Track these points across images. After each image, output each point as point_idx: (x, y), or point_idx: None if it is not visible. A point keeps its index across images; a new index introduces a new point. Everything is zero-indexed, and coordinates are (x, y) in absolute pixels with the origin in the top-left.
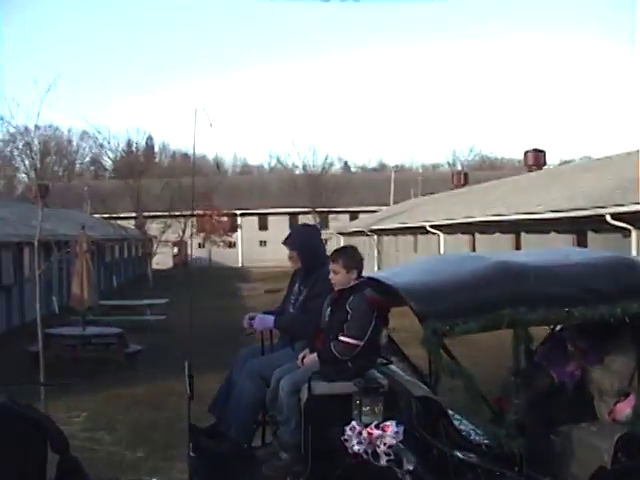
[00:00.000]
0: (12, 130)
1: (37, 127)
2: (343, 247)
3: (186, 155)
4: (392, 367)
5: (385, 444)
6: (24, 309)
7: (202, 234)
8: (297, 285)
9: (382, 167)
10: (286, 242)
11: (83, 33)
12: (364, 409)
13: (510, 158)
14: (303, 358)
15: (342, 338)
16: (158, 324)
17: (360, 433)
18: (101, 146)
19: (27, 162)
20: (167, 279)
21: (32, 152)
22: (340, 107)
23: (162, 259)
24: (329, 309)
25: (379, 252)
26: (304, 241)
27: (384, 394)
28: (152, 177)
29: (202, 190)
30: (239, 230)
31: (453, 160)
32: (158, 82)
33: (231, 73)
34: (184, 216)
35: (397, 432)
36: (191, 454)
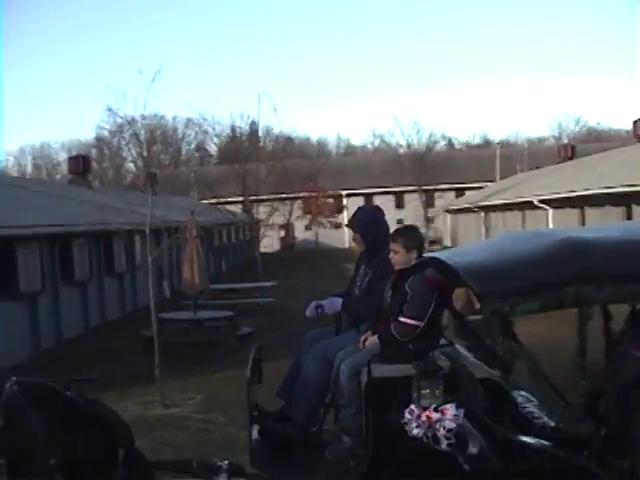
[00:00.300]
0: (119, 121)
1: (143, 117)
2: (404, 226)
3: (290, 139)
4: (458, 348)
5: (444, 428)
6: (136, 295)
7: (308, 216)
8: (363, 267)
9: (486, 143)
10: (349, 224)
11: (185, 20)
12: (423, 392)
13: (618, 129)
14: (365, 340)
15: (402, 319)
16: (267, 306)
17: (419, 417)
18: (206, 132)
19: (134, 151)
20: (275, 262)
21: (139, 141)
22: (442, 83)
23: (269, 242)
24: (390, 290)
25: (487, 229)
26: (367, 223)
27: (445, 376)
28: (257, 161)
29: (307, 172)
30: (345, 211)
31: (559, 133)
32: (257, 65)
33: (332, 55)
34: (290, 199)
35: (457, 415)
36: (255, 438)
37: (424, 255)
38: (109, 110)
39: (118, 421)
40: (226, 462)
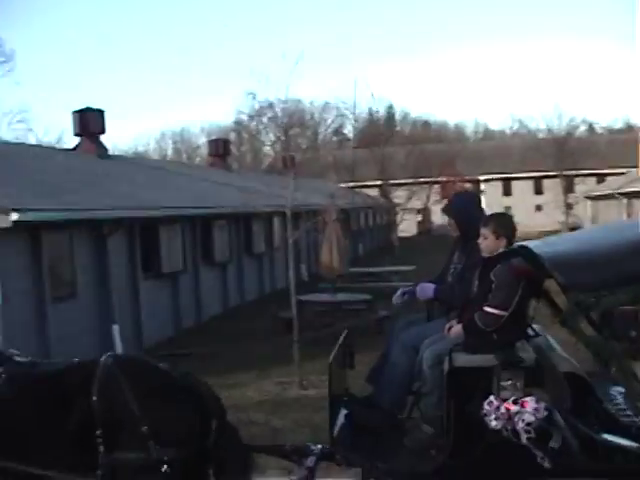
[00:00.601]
0: (259, 105)
1: (283, 100)
2: (497, 213)
3: (427, 123)
4: (548, 340)
5: (523, 421)
6: (274, 277)
7: (446, 201)
8: (457, 254)
9: (629, 127)
10: (444, 210)
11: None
12: (503, 383)
13: None
14: (450, 328)
15: (486, 308)
16: None
17: (498, 408)
18: (343, 116)
19: (272, 135)
20: (412, 246)
21: (278, 125)
22: (583, 65)
23: (406, 226)
24: (477, 279)
25: (629, 216)
26: (461, 209)
27: (528, 368)
28: (394, 145)
29: (444, 157)
30: (482, 196)
31: None
32: (398, 51)
33: (472, 40)
34: (428, 183)
35: (537, 408)
36: (341, 422)
37: (514, 245)
38: (250, 94)
39: (210, 394)
40: (319, 446)
